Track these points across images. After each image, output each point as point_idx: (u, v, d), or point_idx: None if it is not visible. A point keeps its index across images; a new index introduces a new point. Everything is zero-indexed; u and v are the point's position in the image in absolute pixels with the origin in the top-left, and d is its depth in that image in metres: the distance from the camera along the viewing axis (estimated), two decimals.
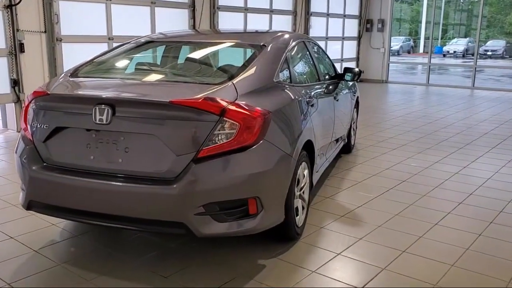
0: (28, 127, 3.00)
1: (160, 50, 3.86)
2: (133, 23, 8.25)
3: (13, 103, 6.83)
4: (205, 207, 2.63)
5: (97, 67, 3.49)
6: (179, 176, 2.63)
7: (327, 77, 4.78)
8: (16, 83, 6.70)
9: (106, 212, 2.75)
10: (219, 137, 2.65)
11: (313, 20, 12.64)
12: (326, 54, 5.16)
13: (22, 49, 6.63)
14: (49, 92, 2.91)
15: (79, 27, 7.40)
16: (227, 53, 3.63)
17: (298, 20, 12.18)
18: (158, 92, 2.93)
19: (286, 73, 3.51)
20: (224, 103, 2.67)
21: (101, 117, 2.70)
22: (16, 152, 3.05)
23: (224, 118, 2.64)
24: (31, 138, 2.98)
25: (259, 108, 2.80)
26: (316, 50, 4.76)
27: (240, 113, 2.69)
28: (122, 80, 3.18)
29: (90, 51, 7.64)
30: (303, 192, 3.48)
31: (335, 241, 3.43)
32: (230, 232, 2.71)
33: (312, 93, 3.80)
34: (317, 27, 12.83)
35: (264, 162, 2.80)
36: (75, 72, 3.31)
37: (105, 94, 2.87)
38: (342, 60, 13.88)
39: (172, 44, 3.98)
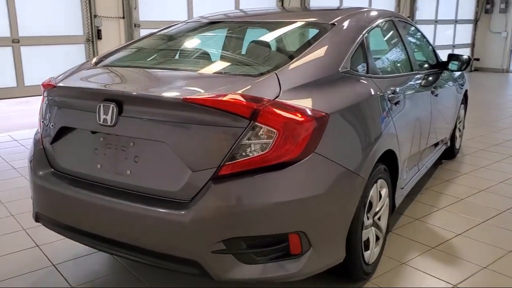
0: (40, 124, 2.54)
1: (204, 32, 3.20)
2: (217, 6, 7.75)
3: None
4: (227, 243, 1.94)
5: (130, 53, 2.93)
6: (194, 198, 1.97)
7: (425, 66, 3.81)
8: None
9: (111, 237, 2.18)
10: (249, 149, 1.93)
11: (420, 1, 11.23)
12: (425, 38, 4.16)
13: (99, 36, 6.43)
14: (55, 84, 2.39)
15: (158, 12, 7.06)
16: (284, 36, 2.86)
17: (403, 1, 10.88)
18: (175, 86, 2.27)
19: (360, 60, 2.66)
20: (257, 102, 1.94)
21: (105, 116, 2.13)
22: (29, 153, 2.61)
23: (257, 123, 1.92)
24: (41, 138, 2.51)
25: (309, 109, 2.03)
26: (410, 32, 3.81)
27: (279, 116, 1.94)
28: (145, 71, 2.57)
29: None
30: (379, 218, 2.65)
31: (420, 285, 2.56)
32: (259, 278, 1.99)
33: (398, 87, 2.91)
34: (424, 9, 11.40)
35: (314, 183, 2.03)
36: (101, 59, 2.78)
37: (112, 87, 2.30)
38: (453, 46, 12.27)
39: (218, 26, 3.27)
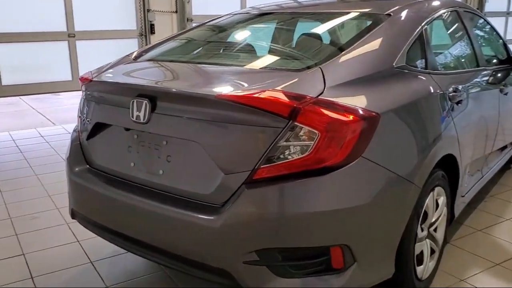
0: (78, 119, 2.48)
1: (253, 24, 3.03)
2: None
3: None
4: (260, 254, 1.77)
5: (172, 46, 2.81)
6: (227, 203, 1.81)
7: (493, 61, 3.46)
8: None
9: (141, 239, 2.07)
10: (287, 151, 1.74)
11: None
12: (495, 31, 3.77)
13: (152, 30, 6.44)
14: (92, 78, 2.31)
15: (211, 6, 6.98)
16: (335, 28, 2.63)
17: None
18: (211, 82, 2.11)
19: (418, 55, 2.40)
20: (297, 100, 1.75)
21: (138, 113, 2.01)
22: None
23: (296, 123, 1.73)
24: (79, 134, 2.45)
25: (358, 108, 1.82)
26: (477, 24, 3.46)
27: (322, 115, 1.74)
28: (184, 65, 2.43)
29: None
30: (435, 230, 2.39)
31: None
32: None
33: (462, 85, 2.61)
34: (495, 1, 10.66)
35: (360, 191, 1.82)
36: (142, 53, 2.69)
37: (146, 83, 2.18)
38: None
39: (267, 18, 3.07)
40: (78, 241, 3.02)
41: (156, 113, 1.98)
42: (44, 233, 3.15)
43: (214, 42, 2.91)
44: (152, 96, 1.98)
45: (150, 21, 6.40)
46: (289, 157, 1.74)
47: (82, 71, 6.07)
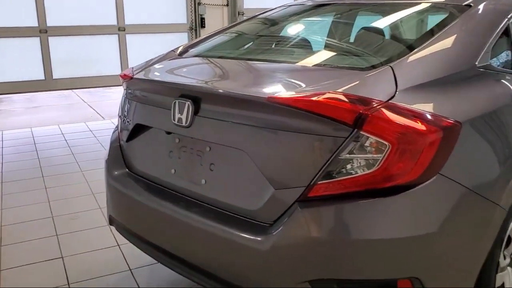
0: (119, 120, 2.31)
1: (308, 17, 2.75)
2: None
3: None
4: (314, 285, 1.51)
5: (221, 41, 2.59)
6: (276, 222, 1.57)
7: None
8: None
9: (178, 254, 1.87)
10: (350, 166, 1.48)
11: None
12: None
13: (202, 24, 6.28)
14: (132, 75, 2.12)
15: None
16: (403, 21, 2.32)
17: None
18: (262, 82, 1.86)
19: (505, 53, 2.05)
20: (363, 105, 1.47)
21: (180, 115, 1.80)
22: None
23: (363, 132, 1.45)
24: (119, 136, 2.28)
25: (436, 115, 1.52)
26: None
27: (393, 123, 1.46)
28: (233, 62, 2.19)
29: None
30: None
31: None
32: None
33: None
34: None
35: (436, 215, 1.52)
36: (188, 48, 2.48)
37: (189, 82, 1.97)
38: None
39: (324, 10, 2.76)
40: (118, 245, 2.87)
41: (200, 116, 1.76)
42: (85, 235, 3.03)
43: (266, 36, 2.67)
44: (196, 97, 1.76)
45: (201, 15, 6.24)
46: (352, 172, 1.48)
47: (132, 65, 6.02)
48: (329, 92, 1.50)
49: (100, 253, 2.79)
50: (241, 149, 1.64)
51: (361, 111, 1.45)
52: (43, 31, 5.38)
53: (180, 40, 6.31)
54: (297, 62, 2.06)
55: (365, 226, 1.46)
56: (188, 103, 1.76)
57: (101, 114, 6.62)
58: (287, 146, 1.54)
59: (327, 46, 2.42)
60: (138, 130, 2.11)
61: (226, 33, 2.66)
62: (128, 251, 2.79)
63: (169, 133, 1.92)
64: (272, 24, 2.75)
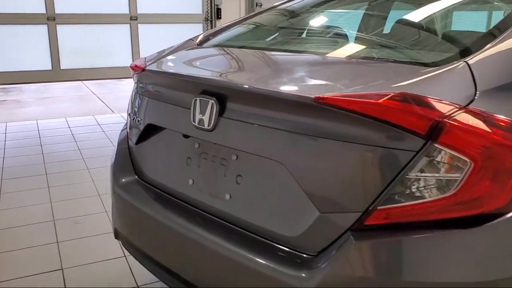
0: (128, 117, 2.00)
1: (341, 5, 2.42)
2: None
3: None
4: None
5: (245, 30, 2.27)
6: (323, 254, 1.25)
7: None
8: None
9: (193, 282, 1.56)
10: (420, 188, 1.15)
11: None
12: None
13: (218, 15, 5.96)
14: (144, 67, 1.81)
15: None
16: (466, 11, 1.99)
17: None
18: (303, 78, 1.53)
19: None
20: (438, 110, 1.15)
21: (201, 116, 1.49)
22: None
23: (437, 145, 1.13)
24: (128, 135, 1.98)
25: None
26: None
27: (477, 134, 1.14)
28: (262, 53, 1.86)
29: None
30: None
31: None
32: None
33: None
34: None
35: None
36: (208, 37, 2.16)
37: (213, 76, 1.65)
38: None
39: None
40: (125, 256, 2.58)
41: (225, 118, 1.45)
42: (88, 242, 2.74)
43: (295, 25, 2.34)
44: (221, 95, 1.45)
45: (217, 5, 5.92)
46: (423, 196, 1.15)
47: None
48: (394, 93, 1.17)
49: (104, 265, 2.50)
50: (277, 160, 1.32)
51: (436, 118, 1.13)
52: (50, 18, 5.09)
53: (194, 31, 5.99)
54: (342, 54, 1.73)
55: (442, 264, 1.14)
56: (212, 101, 1.45)
57: (110, 107, 6.34)
58: (338, 159, 1.22)
59: (374, 37, 2.08)
60: (150, 131, 1.80)
61: (251, 21, 2.33)
62: (136, 265, 2.48)
63: (187, 136, 1.61)
64: (303, 11, 2.42)
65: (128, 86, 7.76)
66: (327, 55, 1.74)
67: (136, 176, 1.87)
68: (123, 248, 2.62)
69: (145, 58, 1.94)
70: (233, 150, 1.47)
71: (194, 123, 1.51)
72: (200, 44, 2.09)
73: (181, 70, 1.81)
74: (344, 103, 1.17)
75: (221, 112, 1.45)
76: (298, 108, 1.27)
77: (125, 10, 5.50)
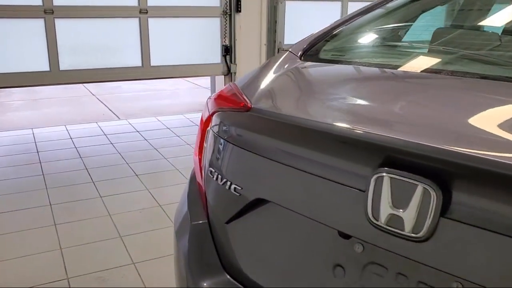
0: (203, 173, 1.30)
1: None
2: None
3: (223, 76, 5.57)
4: None
5: (363, 36, 1.58)
6: None
7: None
8: (227, 51, 5.39)
9: None
10: None
11: None
12: None
13: (238, 8, 5.25)
14: (251, 105, 1.12)
15: None
16: None
17: None
18: None
19: None
20: None
21: (395, 211, 0.81)
22: (174, 231, 1.38)
23: None
24: (205, 203, 1.29)
25: None
26: None
27: None
28: (451, 80, 1.08)
29: (320, 13, 6.00)
30: None
31: None
32: None
33: None
34: None
35: None
36: (314, 48, 1.45)
37: (419, 136, 0.91)
38: None
39: None
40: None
41: (449, 219, 0.77)
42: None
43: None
44: (449, 175, 0.77)
45: None
46: None
47: (154, 56, 4.96)
48: None
49: None
50: None
51: None
52: (48, 11, 4.34)
53: (211, 27, 5.28)
54: None
55: None
56: (428, 188, 0.77)
57: (115, 113, 5.61)
58: None
59: None
60: (257, 205, 1.11)
61: (382, 18, 1.61)
62: None
63: (347, 237, 0.93)
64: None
65: (130, 86, 7.00)
66: None
67: (227, 275, 1.18)
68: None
69: (240, 87, 1.24)
70: (456, 278, 0.79)
71: (375, 221, 0.84)
72: (306, 55, 1.39)
73: (323, 117, 1.07)
74: None
75: (444, 209, 0.77)
76: None
77: (134, 2, 4.76)
